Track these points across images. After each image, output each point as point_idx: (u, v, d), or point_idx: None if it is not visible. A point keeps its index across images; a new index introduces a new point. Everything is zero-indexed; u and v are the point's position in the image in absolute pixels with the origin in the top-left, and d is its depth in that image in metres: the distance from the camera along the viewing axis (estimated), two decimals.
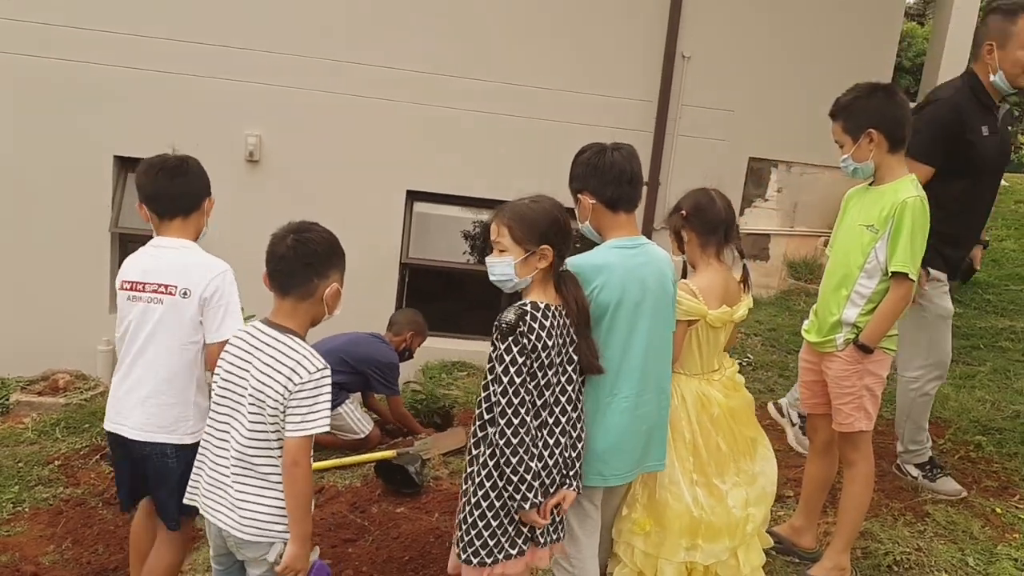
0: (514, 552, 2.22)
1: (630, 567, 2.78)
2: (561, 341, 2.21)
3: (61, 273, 6.38)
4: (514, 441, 2.10)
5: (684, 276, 2.85)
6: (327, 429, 2.21)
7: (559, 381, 2.23)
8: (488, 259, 2.26)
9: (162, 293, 2.59)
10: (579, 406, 2.32)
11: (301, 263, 2.22)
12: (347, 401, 4.55)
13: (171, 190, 2.66)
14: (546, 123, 7.00)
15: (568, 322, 2.23)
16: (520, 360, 2.10)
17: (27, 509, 3.93)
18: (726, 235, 2.79)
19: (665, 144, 7.21)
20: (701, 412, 2.80)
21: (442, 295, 7.56)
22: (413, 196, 7.16)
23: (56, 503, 3.98)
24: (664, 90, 7.12)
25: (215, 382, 2.30)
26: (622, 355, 2.39)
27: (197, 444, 2.41)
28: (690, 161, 7.21)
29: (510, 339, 2.10)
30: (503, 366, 2.10)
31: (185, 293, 2.57)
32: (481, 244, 7.46)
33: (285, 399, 2.12)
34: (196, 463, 2.38)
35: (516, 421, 2.11)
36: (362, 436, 4.57)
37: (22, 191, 6.46)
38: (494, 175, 7.03)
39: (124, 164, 6.68)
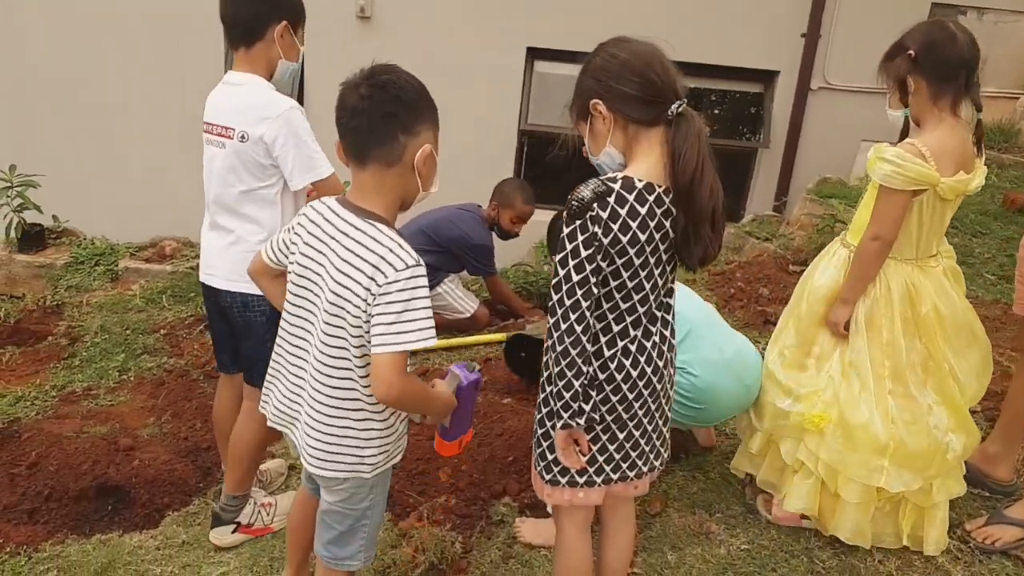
0: (597, 480, 1.81)
1: (813, 478, 2.36)
2: (661, 235, 1.65)
3: (167, 133, 6.21)
4: (568, 351, 1.63)
5: (905, 135, 2.23)
6: (430, 343, 1.67)
7: (654, 291, 1.71)
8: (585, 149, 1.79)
9: (223, 136, 2.29)
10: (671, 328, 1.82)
11: (380, 114, 1.66)
12: (446, 280, 4.18)
13: (229, 11, 2.28)
14: None
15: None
16: (585, 253, 1.59)
17: (132, 378, 3.83)
18: (967, 83, 2.15)
19: None
20: (907, 308, 2.26)
21: (564, 166, 6.98)
22: (534, 54, 6.48)
23: (160, 373, 3.87)
24: None
25: (290, 267, 1.83)
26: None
27: None
28: (858, 7, 6.13)
29: (577, 223, 1.59)
30: (562, 255, 1.62)
31: (243, 137, 2.24)
32: None
33: (368, 304, 1.64)
34: (271, 367, 1.95)
35: (566, 326, 1.62)
36: (467, 315, 4.20)
37: (123, 38, 6.24)
38: (625, 27, 6.19)
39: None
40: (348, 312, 1.67)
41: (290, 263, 1.83)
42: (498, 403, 3.20)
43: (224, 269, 2.37)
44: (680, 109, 1.62)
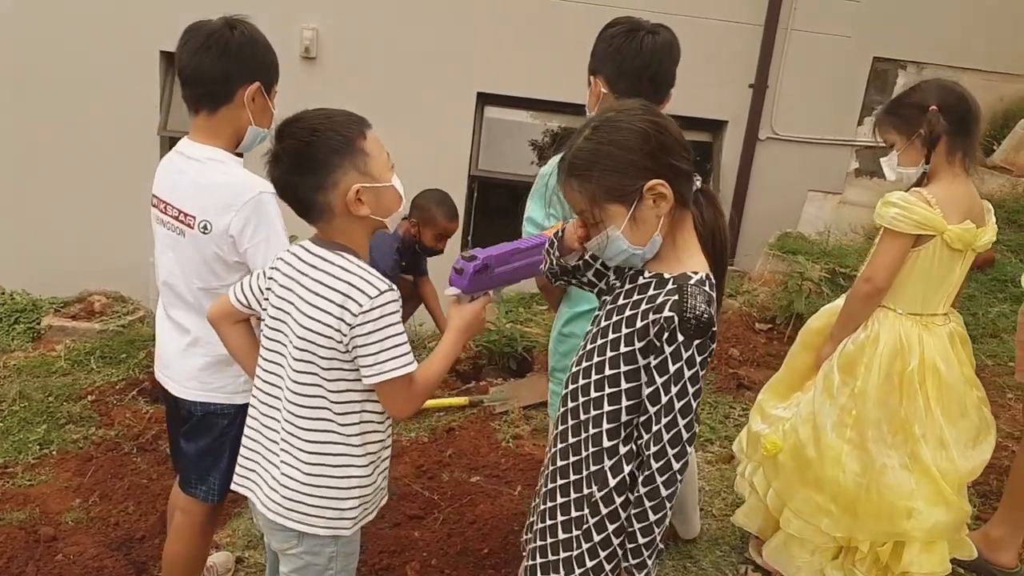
0: None
1: (758, 499, 2.41)
2: None
3: (103, 182, 5.85)
4: (674, 482, 1.41)
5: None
6: (414, 365, 1.61)
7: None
8: (587, 245, 1.51)
9: (181, 223, 1.97)
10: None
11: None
12: None
13: (191, 67, 1.94)
14: (640, 14, 6.02)
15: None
16: (702, 373, 1.40)
17: (55, 452, 3.47)
18: (975, 139, 2.19)
19: (777, 40, 6.21)
20: (893, 364, 2.18)
21: (516, 212, 6.86)
22: (484, 99, 6.36)
23: (87, 446, 3.52)
24: None
25: (264, 314, 1.71)
26: None
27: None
28: (805, 60, 6.23)
29: (697, 343, 1.37)
30: (683, 375, 1.37)
31: (205, 227, 1.91)
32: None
33: (344, 336, 1.57)
34: (245, 433, 1.79)
35: (679, 464, 1.40)
36: None
37: (60, 92, 5.89)
38: (576, 75, 6.16)
39: (172, 60, 6.03)
40: (319, 346, 1.60)
41: (263, 309, 1.70)
42: (465, 482, 2.98)
43: (182, 375, 2.07)
44: (701, 184, 1.48)
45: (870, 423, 2.18)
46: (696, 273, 1.42)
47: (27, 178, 5.94)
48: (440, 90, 6.21)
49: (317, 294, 1.60)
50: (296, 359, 1.62)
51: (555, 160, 1.70)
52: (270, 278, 1.70)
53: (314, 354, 1.60)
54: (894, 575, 2.22)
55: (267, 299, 1.70)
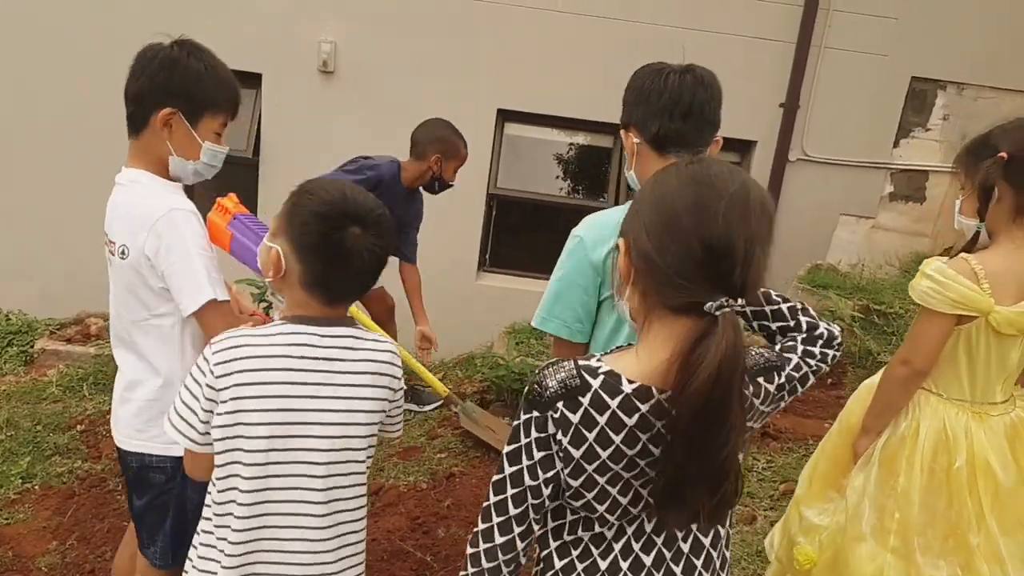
0: None
1: None
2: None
3: (94, 200, 5.71)
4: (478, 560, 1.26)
5: (971, 248, 1.90)
6: None
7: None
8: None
9: (110, 252, 1.85)
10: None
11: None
12: None
13: (127, 93, 1.84)
14: (666, 30, 5.83)
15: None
16: (538, 456, 1.19)
17: (37, 487, 3.31)
18: None
19: (810, 58, 5.94)
20: (938, 458, 1.88)
21: (535, 231, 6.65)
22: (504, 115, 6.16)
23: (71, 481, 3.36)
24: None
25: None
26: None
27: None
28: (838, 79, 5.96)
29: (534, 415, 1.17)
30: (509, 448, 1.23)
31: (123, 252, 1.78)
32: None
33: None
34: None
35: (483, 528, 1.26)
36: None
37: (52, 111, 5.77)
38: (601, 92, 5.94)
39: None
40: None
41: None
42: (463, 540, 2.76)
43: (119, 422, 1.91)
44: (718, 312, 1.07)
45: (915, 529, 1.89)
46: (608, 372, 1.14)
47: (26, 195, 5.82)
48: (459, 106, 5.99)
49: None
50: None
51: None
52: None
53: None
54: None
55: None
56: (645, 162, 1.72)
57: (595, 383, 1.13)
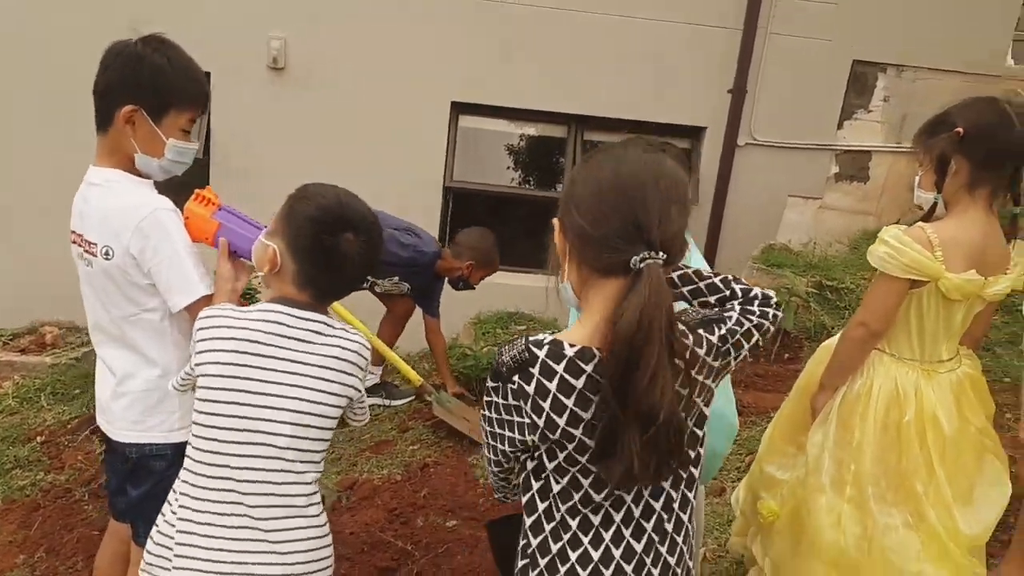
0: None
1: (758, 572, 2.25)
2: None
3: (50, 204, 5.57)
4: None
5: (928, 218, 1.99)
6: None
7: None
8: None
9: (88, 252, 1.84)
10: None
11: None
12: None
13: (95, 89, 1.82)
14: (615, 19, 5.91)
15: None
16: (507, 419, 1.32)
17: (0, 502, 3.24)
18: (1012, 176, 1.92)
19: (756, 44, 6.06)
20: (890, 413, 1.99)
21: (491, 222, 6.67)
22: (458, 108, 6.17)
23: (35, 494, 3.28)
24: None
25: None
26: None
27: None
28: (784, 64, 6.10)
29: (499, 384, 1.30)
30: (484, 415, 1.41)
31: (107, 253, 1.78)
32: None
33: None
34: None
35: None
36: None
37: (3, 111, 5.61)
38: (553, 83, 5.99)
39: None
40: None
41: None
42: (441, 527, 2.79)
43: (117, 416, 1.92)
44: (642, 264, 1.20)
45: (869, 480, 2.00)
46: (552, 342, 1.24)
47: None
48: (413, 99, 6.01)
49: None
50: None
51: None
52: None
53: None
54: None
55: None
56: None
57: (541, 353, 1.23)
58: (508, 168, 6.59)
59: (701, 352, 1.29)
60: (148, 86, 1.77)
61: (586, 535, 1.30)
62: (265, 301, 1.63)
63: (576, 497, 1.28)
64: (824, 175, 6.52)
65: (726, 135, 6.27)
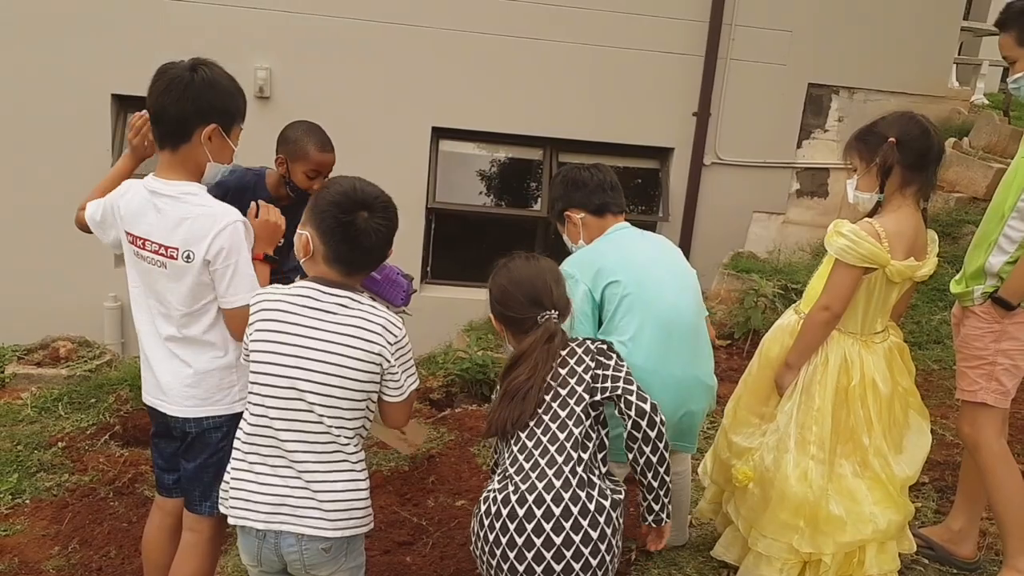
0: None
1: (735, 531, 2.54)
2: None
3: (58, 226, 5.77)
4: None
5: (871, 215, 2.34)
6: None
7: None
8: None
9: (163, 256, 2.08)
10: None
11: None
12: None
13: (156, 106, 2.07)
14: (586, 48, 6.31)
15: None
16: None
17: (28, 501, 3.42)
18: (931, 175, 2.29)
19: (717, 69, 6.50)
20: (840, 378, 2.34)
21: (472, 242, 6.98)
22: (439, 133, 6.50)
23: (61, 494, 3.48)
24: (716, 9, 6.38)
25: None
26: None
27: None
28: (744, 88, 6.54)
29: None
30: None
31: (188, 256, 2.04)
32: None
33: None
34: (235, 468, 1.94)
35: None
36: None
37: (11, 137, 5.83)
38: (528, 108, 6.36)
39: (123, 103, 6.03)
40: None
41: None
42: (451, 506, 3.05)
43: (185, 396, 2.16)
44: (544, 319, 2.03)
45: (830, 438, 2.33)
46: None
47: None
48: (395, 126, 6.33)
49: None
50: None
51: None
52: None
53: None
54: None
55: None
56: (592, 229, 2.58)
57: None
58: (487, 189, 6.91)
59: (572, 360, 2.02)
60: (223, 107, 2.09)
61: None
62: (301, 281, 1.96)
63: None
64: (786, 191, 6.95)
65: (693, 155, 6.67)
